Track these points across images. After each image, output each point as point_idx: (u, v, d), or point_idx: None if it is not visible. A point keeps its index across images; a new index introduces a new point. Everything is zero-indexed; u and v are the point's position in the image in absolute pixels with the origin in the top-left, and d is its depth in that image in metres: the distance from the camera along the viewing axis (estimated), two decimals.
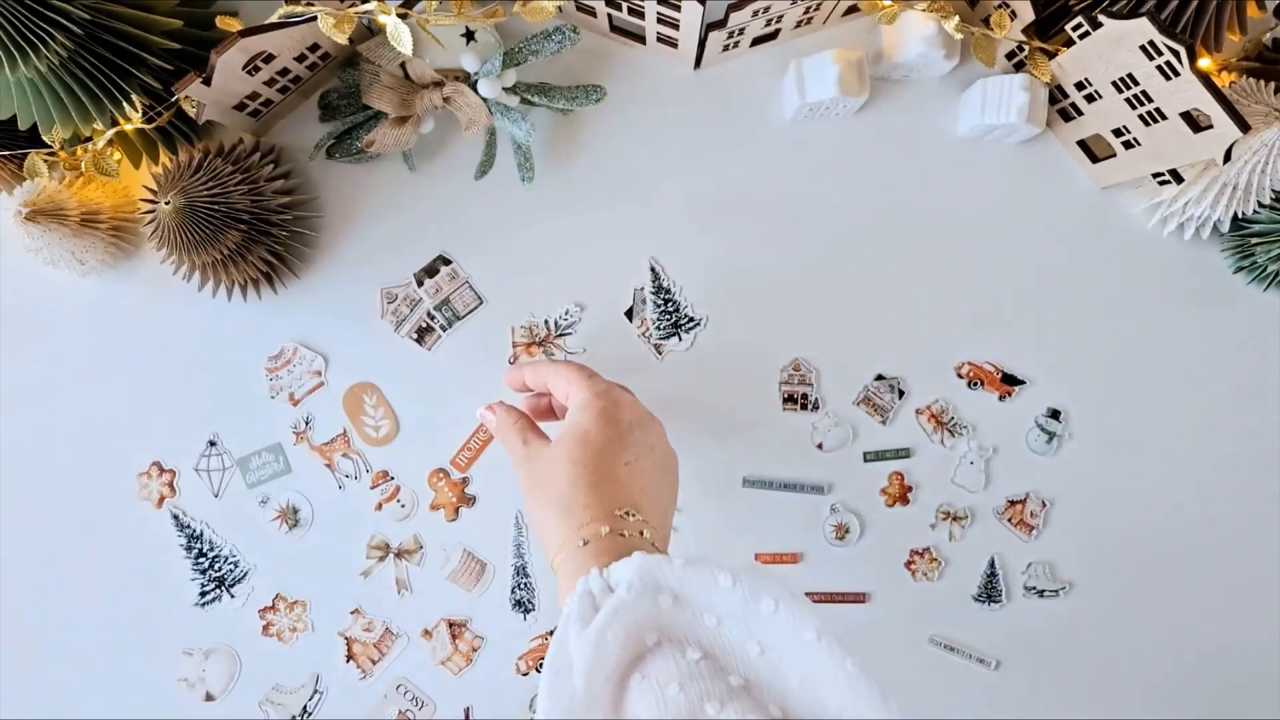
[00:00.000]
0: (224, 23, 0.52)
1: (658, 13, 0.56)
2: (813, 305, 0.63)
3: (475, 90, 0.58)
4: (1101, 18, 0.52)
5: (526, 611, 0.63)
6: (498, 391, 0.63)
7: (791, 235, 0.63)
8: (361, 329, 0.63)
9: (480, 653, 0.63)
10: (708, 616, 0.37)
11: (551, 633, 0.63)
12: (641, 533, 0.44)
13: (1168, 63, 0.50)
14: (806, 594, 0.63)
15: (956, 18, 0.56)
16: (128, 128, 0.56)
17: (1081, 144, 0.62)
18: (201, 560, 0.63)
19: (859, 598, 0.63)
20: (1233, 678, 0.64)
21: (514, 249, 0.63)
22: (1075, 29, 0.55)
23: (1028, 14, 0.56)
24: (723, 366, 0.63)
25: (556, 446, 0.47)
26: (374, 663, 0.63)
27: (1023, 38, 0.58)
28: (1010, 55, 0.61)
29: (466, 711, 0.64)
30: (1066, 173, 0.63)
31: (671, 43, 0.60)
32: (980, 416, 0.63)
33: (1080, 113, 0.60)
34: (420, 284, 0.63)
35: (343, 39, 0.51)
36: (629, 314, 0.63)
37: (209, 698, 0.63)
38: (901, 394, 0.63)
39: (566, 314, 0.63)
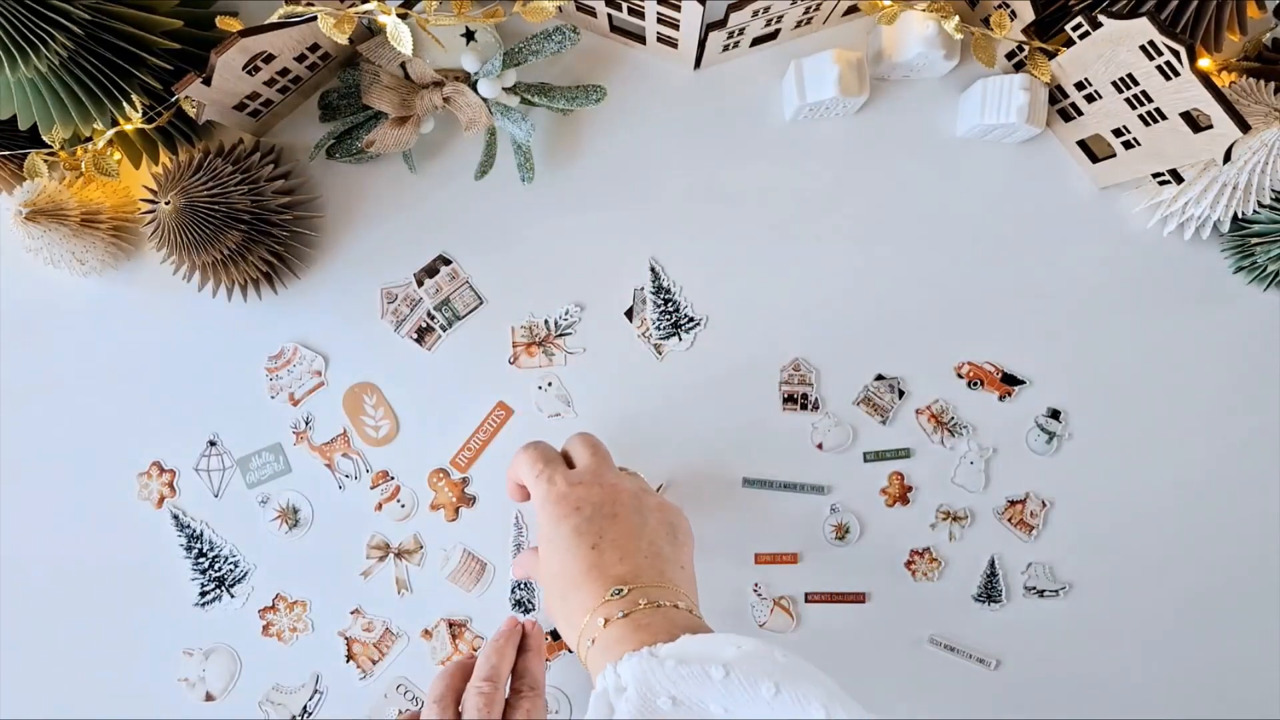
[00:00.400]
0: (224, 23, 0.52)
1: (658, 13, 0.56)
2: (813, 305, 0.63)
3: (475, 90, 0.58)
4: (1101, 18, 0.52)
5: (526, 611, 0.63)
6: (498, 392, 0.63)
7: (791, 235, 0.63)
8: (362, 329, 0.63)
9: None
10: (714, 708, 0.37)
11: (553, 632, 0.63)
12: (639, 603, 0.44)
13: (1168, 63, 0.50)
14: (806, 594, 0.63)
15: (956, 18, 0.56)
16: (128, 128, 0.56)
17: (1081, 144, 0.62)
18: (201, 560, 0.63)
19: (859, 598, 0.63)
20: (1233, 678, 0.64)
21: (514, 249, 0.63)
22: (1075, 29, 0.55)
23: (1027, 14, 0.56)
24: (723, 366, 0.63)
25: (542, 557, 0.50)
26: (374, 663, 0.63)
27: (1022, 38, 0.58)
28: (1010, 55, 0.61)
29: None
30: (1066, 173, 0.63)
31: (671, 43, 0.60)
32: (980, 416, 0.63)
33: (1080, 113, 0.60)
34: (420, 284, 0.63)
35: (343, 39, 0.51)
36: (629, 314, 0.63)
37: (209, 698, 0.63)
38: (901, 394, 0.63)
39: (566, 314, 0.63)
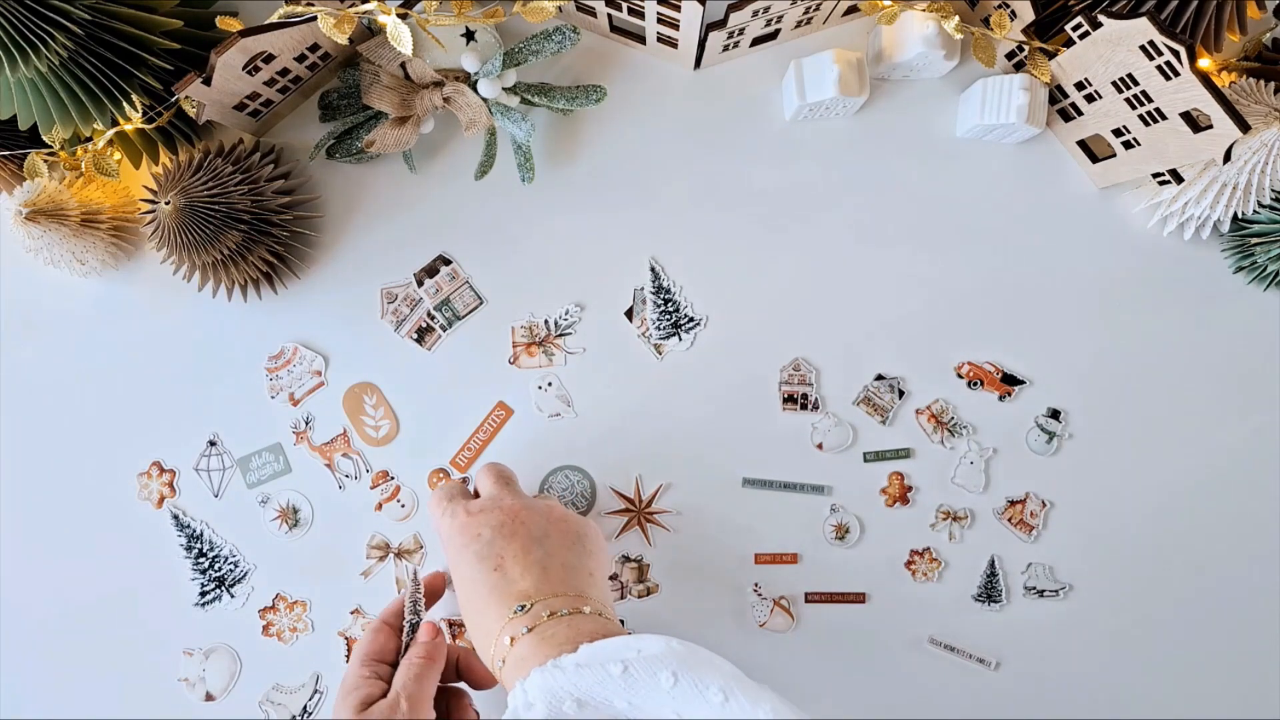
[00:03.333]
0: (224, 23, 0.52)
1: (658, 13, 0.56)
2: (813, 305, 0.63)
3: (475, 90, 0.58)
4: (1101, 18, 0.52)
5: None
6: (498, 392, 0.63)
7: (791, 235, 0.63)
8: (362, 329, 0.63)
9: None
10: (619, 704, 0.38)
11: None
12: (542, 615, 0.45)
13: (1167, 63, 0.50)
14: (806, 594, 0.63)
15: (956, 18, 0.56)
16: (128, 128, 0.56)
17: (1081, 144, 0.62)
18: (201, 560, 0.63)
19: (859, 598, 0.63)
20: (1233, 678, 0.64)
21: (514, 249, 0.63)
22: (1075, 29, 0.55)
23: (1027, 14, 0.56)
24: (723, 366, 0.63)
25: (455, 589, 0.52)
26: None
27: (1022, 38, 0.58)
28: (1010, 55, 0.61)
29: None
30: (1066, 173, 0.63)
31: (671, 43, 0.60)
32: (980, 416, 0.63)
33: (1080, 113, 0.60)
34: (420, 284, 0.63)
35: (343, 39, 0.51)
36: (629, 314, 0.63)
37: (209, 697, 0.63)
38: (901, 394, 0.63)
39: (566, 314, 0.63)
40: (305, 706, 0.63)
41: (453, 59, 0.59)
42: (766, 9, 0.56)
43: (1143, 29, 0.50)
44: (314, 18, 0.50)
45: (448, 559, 0.52)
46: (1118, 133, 0.58)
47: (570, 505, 0.63)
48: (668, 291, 0.63)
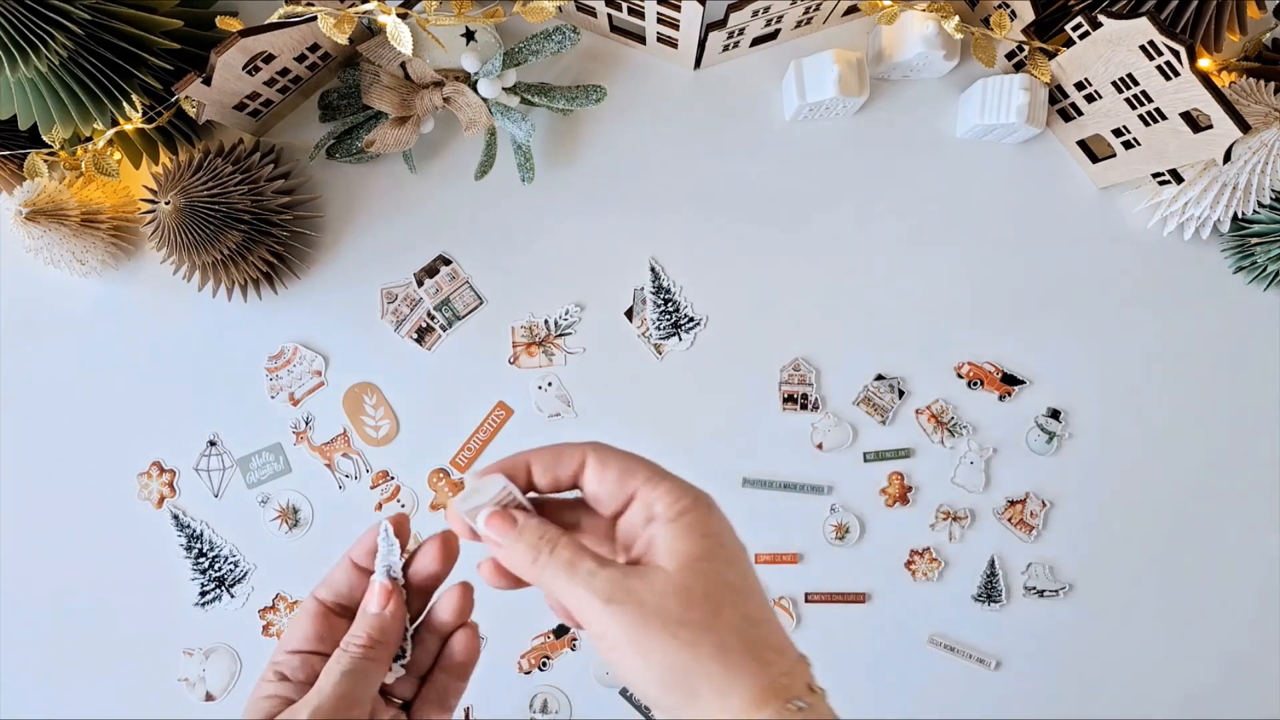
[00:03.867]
0: (224, 23, 0.52)
1: (658, 13, 0.56)
2: (813, 305, 0.63)
3: (475, 90, 0.58)
4: (1101, 18, 0.52)
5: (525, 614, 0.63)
6: (498, 392, 0.63)
7: (791, 235, 0.63)
8: (362, 329, 0.63)
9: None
10: None
11: (553, 631, 0.63)
12: (820, 693, 0.29)
13: (1167, 63, 0.50)
14: (806, 594, 0.63)
15: (956, 18, 0.56)
16: (128, 128, 0.56)
17: (1081, 144, 0.62)
18: (201, 560, 0.63)
19: (859, 598, 0.63)
20: (1233, 678, 0.64)
21: (514, 249, 0.63)
22: (1075, 29, 0.55)
23: (1027, 14, 0.56)
24: (723, 366, 0.63)
25: (703, 566, 0.29)
26: None
27: (1022, 38, 0.58)
28: (1010, 55, 0.61)
29: (467, 711, 0.64)
30: (1066, 173, 0.63)
31: (671, 43, 0.60)
32: (980, 416, 0.63)
33: (1080, 113, 0.60)
34: (420, 284, 0.63)
35: (343, 39, 0.51)
36: (629, 314, 0.63)
37: (209, 697, 0.63)
38: (901, 394, 0.63)
39: (566, 314, 0.63)
40: None
41: (453, 59, 0.59)
42: (766, 9, 0.56)
43: (1143, 29, 0.50)
44: (314, 18, 0.50)
45: (664, 508, 0.30)
46: (1118, 133, 0.58)
47: None
48: (668, 291, 0.63)
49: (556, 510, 0.33)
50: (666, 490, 0.30)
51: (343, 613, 0.33)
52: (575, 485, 0.32)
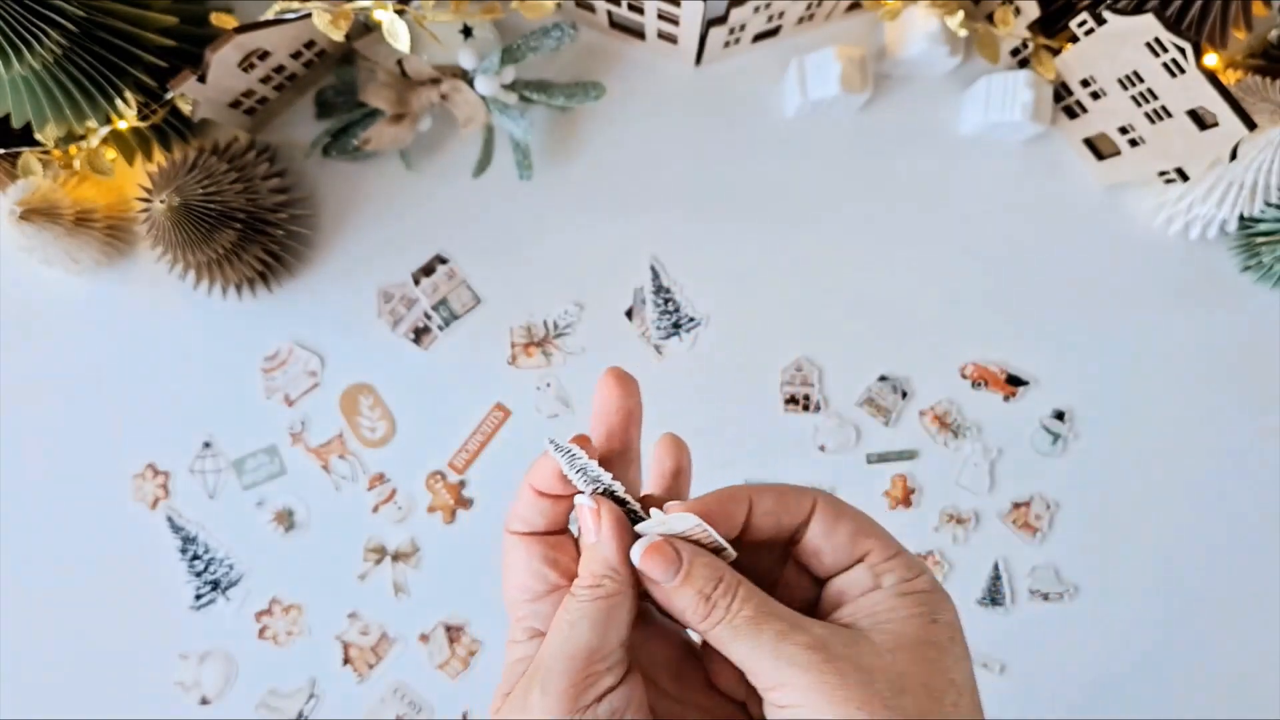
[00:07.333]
0: (219, 19, 0.52)
1: (658, 8, 0.56)
2: (815, 305, 0.63)
3: (473, 87, 0.58)
4: (1107, 14, 0.52)
5: None
6: (495, 393, 0.63)
7: (793, 234, 0.63)
8: (358, 329, 0.63)
9: (478, 656, 0.63)
10: None
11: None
12: None
13: (1173, 60, 0.50)
14: None
15: (960, 14, 0.55)
16: (122, 126, 0.56)
17: (1087, 142, 0.62)
18: (197, 563, 0.62)
19: None
20: (1236, 680, 0.63)
21: (512, 248, 0.63)
22: (1080, 25, 0.54)
23: (1032, 10, 0.56)
24: (723, 367, 0.62)
25: (919, 649, 0.25)
26: (371, 666, 0.62)
27: (1027, 34, 0.57)
28: (1015, 52, 0.60)
29: (464, 715, 0.63)
30: (1071, 171, 0.63)
31: (672, 39, 0.60)
32: (984, 417, 0.63)
33: (1085, 110, 0.59)
34: (417, 283, 0.63)
35: (339, 35, 0.50)
36: (629, 314, 0.63)
37: (204, 701, 0.62)
38: (905, 395, 0.63)
39: (565, 314, 0.63)
40: (301, 711, 0.62)
41: (450, 56, 0.59)
42: (768, 4, 0.56)
43: (1148, 26, 0.50)
44: (309, 14, 0.50)
45: (892, 573, 0.27)
46: (1123, 130, 0.58)
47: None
48: (668, 291, 0.63)
49: (754, 556, 0.27)
50: (904, 563, 0.27)
51: (552, 531, 0.27)
52: (795, 536, 0.27)
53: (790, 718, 0.23)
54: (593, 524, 0.25)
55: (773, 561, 0.28)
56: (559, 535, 0.27)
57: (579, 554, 0.26)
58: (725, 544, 0.26)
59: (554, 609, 0.26)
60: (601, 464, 0.26)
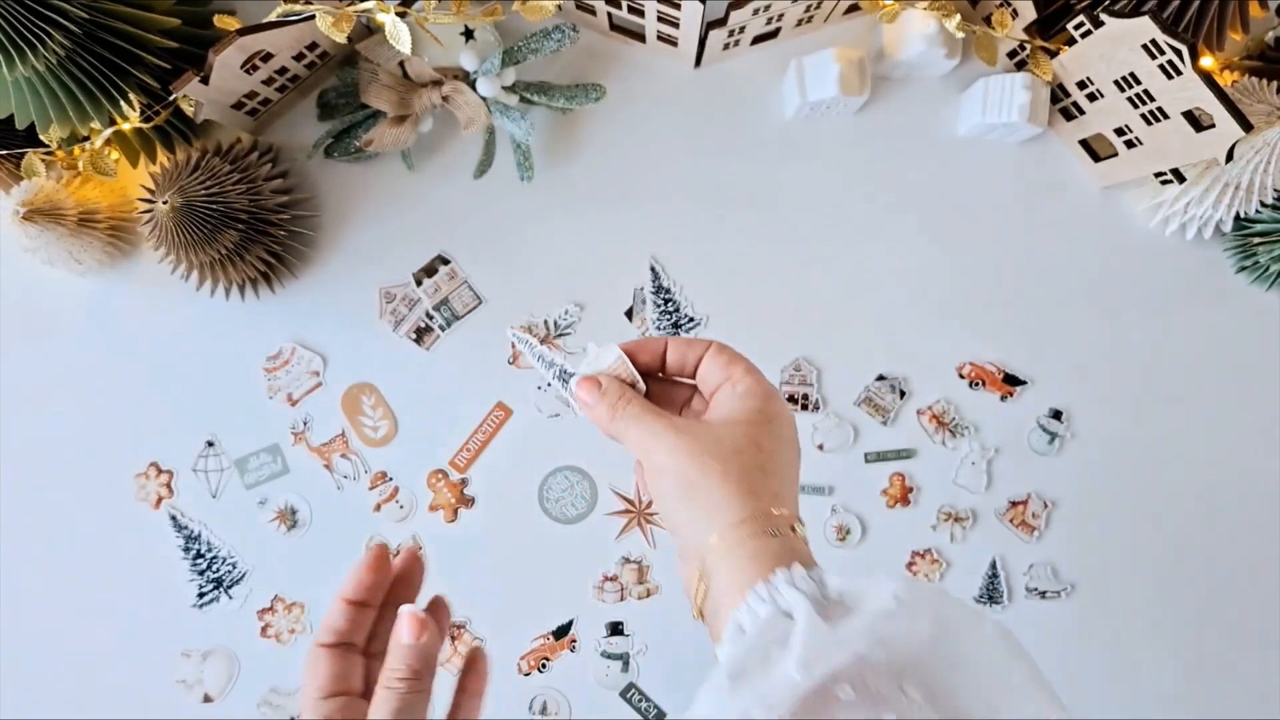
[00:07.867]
0: (222, 21, 0.52)
1: (658, 11, 0.56)
2: (813, 305, 0.63)
3: (474, 89, 0.58)
4: (1103, 16, 0.52)
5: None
6: (496, 392, 0.63)
7: (792, 235, 0.63)
8: (360, 329, 0.63)
9: None
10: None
11: (553, 633, 0.63)
12: (800, 535, 0.37)
13: (1170, 62, 0.50)
14: None
15: (958, 16, 0.56)
16: (125, 127, 0.56)
17: (1083, 143, 0.62)
18: (199, 561, 0.63)
19: None
20: (1235, 679, 0.64)
21: (513, 248, 0.63)
22: (1077, 28, 0.54)
23: (1029, 13, 0.56)
24: None
25: (741, 425, 0.36)
26: None
27: (1024, 36, 0.58)
28: (1012, 54, 0.61)
29: None
30: (1068, 172, 0.63)
31: (672, 41, 0.60)
32: (982, 417, 0.63)
33: (1082, 112, 0.60)
34: (419, 284, 0.63)
35: (341, 37, 0.50)
36: (629, 314, 0.63)
37: (207, 699, 0.62)
38: (903, 394, 0.63)
39: (566, 314, 0.63)
40: None
41: (451, 57, 0.59)
42: (767, 7, 0.56)
43: (1145, 28, 0.50)
44: (312, 16, 0.50)
45: (740, 384, 0.37)
46: (1120, 132, 0.58)
47: (570, 506, 0.63)
48: (668, 291, 0.63)
49: (667, 388, 0.39)
50: (755, 379, 0.37)
51: (350, 649, 0.35)
52: (695, 372, 0.38)
53: (657, 481, 0.35)
54: (416, 630, 0.34)
55: (685, 395, 0.40)
56: (354, 654, 0.35)
57: (362, 661, 0.35)
58: (639, 378, 0.37)
59: (351, 704, 0.34)
60: (347, 614, 0.35)
